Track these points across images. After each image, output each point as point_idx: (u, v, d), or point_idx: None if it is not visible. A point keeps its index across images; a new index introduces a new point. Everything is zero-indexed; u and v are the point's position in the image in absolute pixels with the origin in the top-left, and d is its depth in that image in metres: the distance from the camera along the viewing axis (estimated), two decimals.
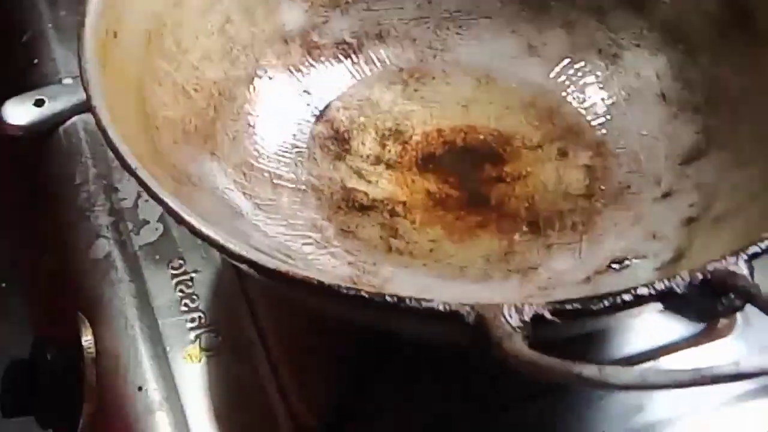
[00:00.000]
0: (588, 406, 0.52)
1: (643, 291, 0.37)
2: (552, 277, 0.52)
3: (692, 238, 0.50)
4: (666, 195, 0.54)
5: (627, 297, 0.37)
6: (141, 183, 0.42)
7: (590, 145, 0.58)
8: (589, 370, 0.30)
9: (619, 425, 0.51)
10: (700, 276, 0.37)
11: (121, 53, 0.50)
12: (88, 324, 0.56)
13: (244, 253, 0.39)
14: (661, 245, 0.51)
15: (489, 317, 0.36)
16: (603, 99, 0.60)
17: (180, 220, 0.40)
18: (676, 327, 0.54)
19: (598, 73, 0.60)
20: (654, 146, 0.56)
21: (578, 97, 0.60)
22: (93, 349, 0.56)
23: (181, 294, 0.57)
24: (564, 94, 0.61)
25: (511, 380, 0.51)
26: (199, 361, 0.54)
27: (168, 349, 0.54)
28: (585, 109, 0.60)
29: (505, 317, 0.36)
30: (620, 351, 0.53)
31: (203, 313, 0.56)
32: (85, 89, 0.45)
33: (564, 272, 0.52)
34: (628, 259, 0.51)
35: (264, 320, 0.54)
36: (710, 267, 0.37)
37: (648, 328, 0.54)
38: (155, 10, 0.54)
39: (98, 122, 0.44)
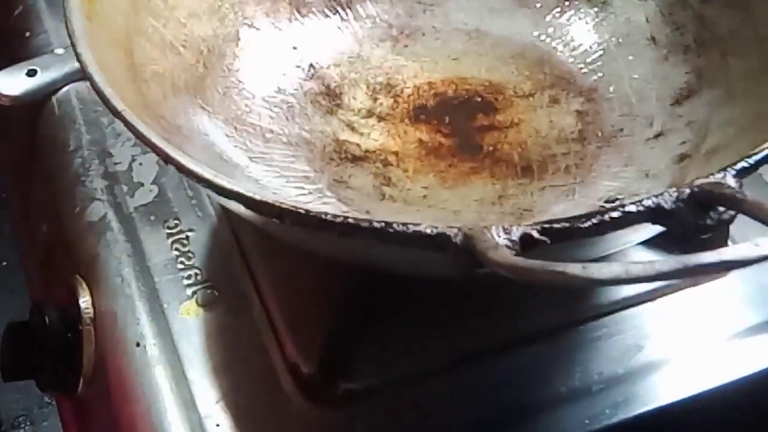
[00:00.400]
0: (585, 348, 0.52)
1: (631, 208, 0.37)
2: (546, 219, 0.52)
3: (684, 174, 0.50)
4: (658, 135, 0.54)
5: (615, 214, 0.36)
6: (128, 126, 0.42)
7: (582, 91, 0.58)
8: (573, 268, 0.30)
9: (616, 365, 0.51)
10: (687, 190, 0.37)
11: (108, 7, 0.50)
12: (85, 285, 0.56)
13: (233, 187, 0.39)
14: (654, 183, 0.51)
15: (476, 235, 0.35)
16: (593, 46, 0.60)
17: (167, 159, 0.40)
18: None
19: (588, 21, 0.60)
20: (645, 89, 0.56)
21: (569, 46, 0.60)
22: (91, 310, 0.56)
23: (176, 252, 0.57)
24: (554, 43, 0.61)
25: (507, 324, 0.52)
26: (197, 316, 0.54)
27: (165, 306, 0.54)
28: (576, 57, 0.60)
29: (492, 235, 0.35)
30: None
31: (199, 269, 0.56)
32: (70, 38, 0.45)
33: (558, 214, 0.52)
34: (620, 198, 0.51)
35: (259, 275, 0.54)
36: (697, 183, 0.37)
37: None
38: None
39: (84, 68, 0.44)
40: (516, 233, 0.36)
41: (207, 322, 0.53)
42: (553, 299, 0.51)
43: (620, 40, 0.59)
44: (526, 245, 0.36)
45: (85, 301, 0.56)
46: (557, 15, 0.61)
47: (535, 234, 0.36)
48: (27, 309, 0.57)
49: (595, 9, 0.60)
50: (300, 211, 0.38)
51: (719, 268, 0.29)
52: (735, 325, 0.53)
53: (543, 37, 0.61)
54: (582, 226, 0.36)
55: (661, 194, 0.37)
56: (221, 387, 0.50)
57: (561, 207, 0.52)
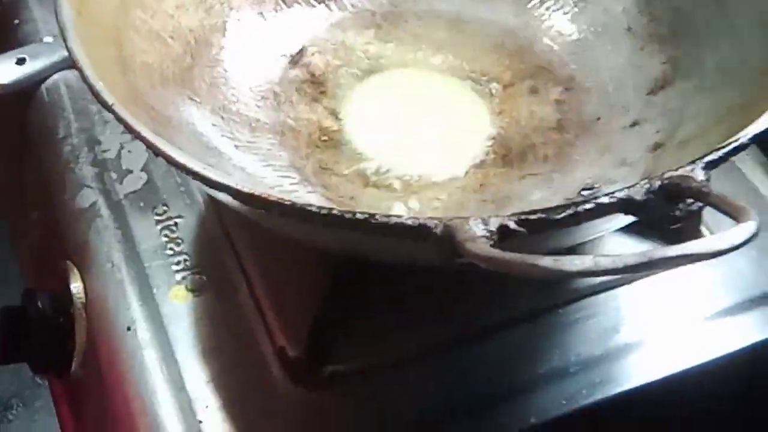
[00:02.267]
0: (563, 331, 0.53)
1: (603, 200, 0.38)
2: (525, 207, 0.53)
3: (658, 163, 0.51)
4: (634, 124, 0.55)
5: (589, 206, 0.38)
6: (118, 118, 0.43)
7: (561, 81, 0.59)
8: (545, 261, 0.31)
9: (594, 347, 0.53)
10: (657, 183, 0.38)
11: (97, 1, 0.51)
12: (76, 271, 0.58)
13: (221, 179, 0.40)
14: (629, 170, 0.52)
15: (456, 226, 0.37)
16: (572, 36, 0.61)
17: (157, 151, 0.42)
18: None
19: (567, 10, 0.62)
20: (622, 78, 0.58)
21: (548, 35, 0.62)
22: (82, 295, 0.57)
23: (165, 239, 0.58)
24: (534, 32, 0.62)
25: (488, 308, 0.53)
26: (186, 301, 0.55)
27: (155, 291, 0.55)
28: (555, 46, 0.61)
29: (470, 227, 0.37)
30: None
31: (188, 255, 0.57)
32: (61, 31, 0.46)
33: (537, 202, 0.53)
34: (597, 186, 0.52)
35: (246, 261, 0.56)
36: (667, 175, 0.38)
37: None
38: None
39: (75, 62, 0.45)
40: (494, 224, 0.38)
41: (196, 307, 0.55)
42: (532, 283, 0.53)
43: (598, 30, 0.60)
44: (503, 236, 0.38)
45: (76, 287, 0.57)
46: (537, 4, 0.62)
47: (512, 225, 0.38)
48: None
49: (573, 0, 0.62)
50: (285, 202, 0.39)
51: (685, 261, 0.30)
52: (710, 308, 0.54)
53: (523, 26, 0.62)
54: (557, 217, 0.38)
55: (632, 186, 0.38)
56: (210, 370, 0.52)
57: (540, 195, 0.54)
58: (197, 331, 0.54)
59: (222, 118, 0.56)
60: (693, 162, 0.39)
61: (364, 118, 0.58)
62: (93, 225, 0.59)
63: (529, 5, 0.63)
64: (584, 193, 0.53)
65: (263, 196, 0.39)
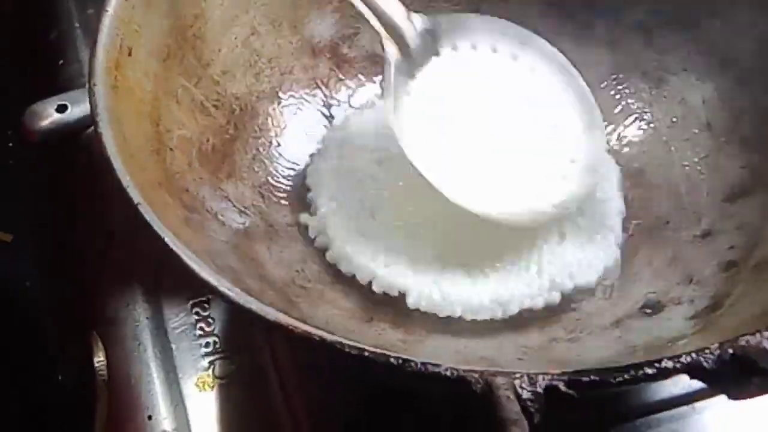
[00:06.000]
0: None
1: (668, 364, 0.34)
2: (581, 318, 0.49)
3: (731, 286, 0.47)
4: (706, 234, 0.51)
5: (650, 370, 0.34)
6: (142, 219, 0.40)
7: (628, 173, 0.55)
8: None
9: None
10: (730, 351, 0.34)
11: (136, 71, 0.48)
12: (101, 344, 0.55)
13: (243, 302, 0.37)
14: (697, 290, 0.48)
15: (498, 386, 0.33)
16: (645, 124, 0.56)
17: (179, 262, 0.39)
18: None
19: (642, 95, 0.57)
20: (696, 179, 0.53)
21: (619, 121, 0.57)
22: (105, 371, 0.54)
23: (196, 317, 0.55)
24: (604, 116, 0.57)
25: None
26: (212, 389, 0.52)
27: (180, 375, 0.53)
28: (625, 133, 0.57)
29: (516, 390, 0.33)
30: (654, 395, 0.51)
31: (217, 337, 0.54)
32: (92, 114, 0.43)
33: (593, 313, 0.49)
34: (661, 303, 0.48)
35: (280, 351, 0.52)
36: (742, 341, 0.34)
37: None
38: (175, 23, 0.51)
39: (103, 151, 0.42)
40: (541, 384, 0.34)
41: (222, 397, 0.52)
42: None
43: (673, 121, 0.56)
44: (551, 396, 0.34)
45: (100, 362, 0.54)
46: (608, 86, 0.58)
47: (562, 387, 0.34)
48: None
49: (649, 85, 0.57)
50: (314, 338, 0.36)
51: None
52: None
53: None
54: (613, 380, 0.34)
55: (702, 351, 0.34)
56: None
57: (595, 305, 0.50)
58: (221, 424, 0.51)
59: (261, 195, 0.53)
60: None
61: None
62: (122, 297, 0.56)
63: (602, 85, 0.58)
64: (646, 311, 0.48)
65: (290, 327, 0.36)
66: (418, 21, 0.50)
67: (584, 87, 0.52)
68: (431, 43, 0.51)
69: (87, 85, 0.45)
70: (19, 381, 0.56)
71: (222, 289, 0.38)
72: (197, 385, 0.52)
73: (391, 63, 0.50)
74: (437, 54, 0.51)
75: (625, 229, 0.53)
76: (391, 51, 0.50)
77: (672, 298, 0.48)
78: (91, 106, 0.44)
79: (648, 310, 0.48)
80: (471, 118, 0.51)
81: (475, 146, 0.50)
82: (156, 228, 0.39)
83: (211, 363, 0.53)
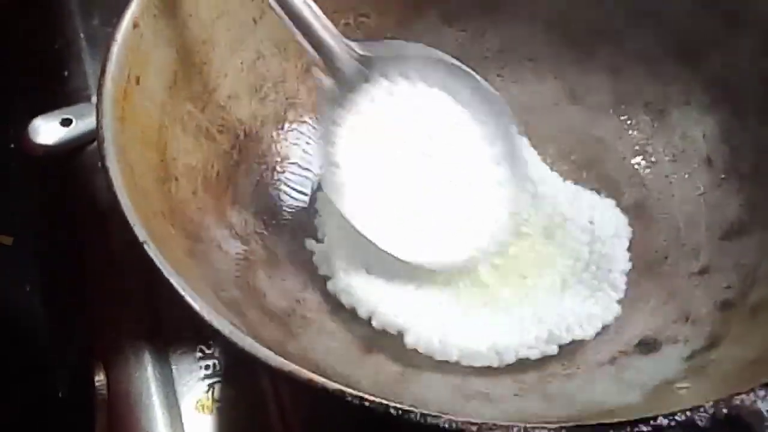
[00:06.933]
0: None
1: (663, 421, 0.35)
2: (577, 353, 0.50)
3: (727, 327, 0.47)
4: (703, 271, 0.51)
5: (645, 428, 0.35)
6: (147, 257, 0.40)
7: (627, 207, 0.55)
8: None
9: None
10: (725, 410, 0.35)
11: (144, 100, 0.48)
12: (101, 364, 0.55)
13: (247, 347, 0.38)
14: (694, 330, 0.48)
15: None
16: (645, 157, 0.57)
17: (185, 303, 0.39)
18: None
19: (644, 128, 0.57)
20: (695, 215, 0.54)
21: (619, 152, 0.57)
22: (104, 388, 0.55)
23: (196, 339, 0.55)
24: (604, 146, 0.58)
25: None
26: (211, 412, 0.53)
27: (180, 398, 0.53)
28: (625, 165, 0.57)
29: None
30: None
31: (218, 359, 0.54)
32: (99, 148, 0.44)
33: (589, 349, 0.50)
34: (657, 341, 0.49)
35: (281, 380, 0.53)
36: (737, 400, 0.35)
37: None
38: (182, 50, 0.52)
39: (110, 185, 0.43)
40: None
41: (221, 420, 0.52)
42: None
43: (674, 155, 0.56)
44: None
45: (99, 381, 0.55)
46: (610, 117, 0.58)
47: None
48: None
49: (650, 117, 0.57)
50: (317, 385, 0.37)
51: None
52: None
53: (593, 138, 0.58)
54: None
55: (697, 409, 0.35)
56: None
57: (593, 341, 0.50)
58: None
59: (264, 222, 0.53)
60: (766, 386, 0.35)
61: None
62: (123, 316, 0.56)
63: (602, 117, 0.58)
64: (642, 348, 0.49)
65: (293, 374, 0.37)
66: (353, 47, 0.51)
67: (510, 120, 0.53)
68: (363, 70, 0.52)
69: (95, 120, 0.45)
70: (19, 394, 0.56)
71: (227, 335, 0.38)
72: (196, 408, 0.53)
73: (323, 88, 0.51)
74: (368, 81, 0.52)
75: None
76: (322, 77, 0.51)
77: (668, 336, 0.49)
78: (98, 138, 0.44)
79: (644, 348, 0.49)
80: (398, 158, 0.52)
81: (400, 190, 0.52)
82: (162, 269, 0.40)
83: (210, 386, 0.53)
